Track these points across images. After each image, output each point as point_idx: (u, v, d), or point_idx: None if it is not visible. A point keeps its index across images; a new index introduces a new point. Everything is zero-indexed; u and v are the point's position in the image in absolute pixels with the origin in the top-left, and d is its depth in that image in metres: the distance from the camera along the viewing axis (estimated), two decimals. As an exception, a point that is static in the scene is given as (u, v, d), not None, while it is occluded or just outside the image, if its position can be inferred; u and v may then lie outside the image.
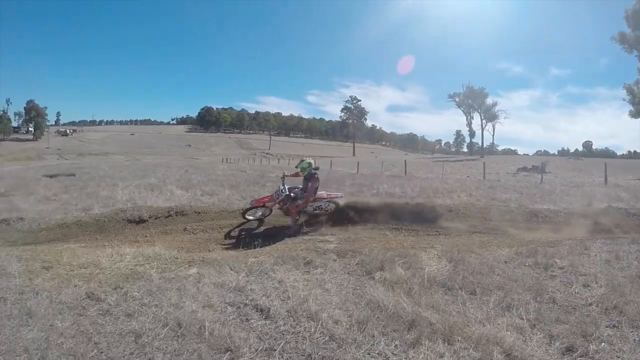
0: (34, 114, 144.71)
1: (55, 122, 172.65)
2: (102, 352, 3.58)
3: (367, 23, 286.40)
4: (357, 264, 6.16)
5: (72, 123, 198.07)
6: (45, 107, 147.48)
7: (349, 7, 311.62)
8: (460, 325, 4.15)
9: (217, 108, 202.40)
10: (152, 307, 4.38)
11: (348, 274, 5.80)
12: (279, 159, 74.76)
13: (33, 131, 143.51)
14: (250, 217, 10.06)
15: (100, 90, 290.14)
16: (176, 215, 10.04)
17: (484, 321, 4.30)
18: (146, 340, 3.76)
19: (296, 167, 10.03)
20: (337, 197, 10.43)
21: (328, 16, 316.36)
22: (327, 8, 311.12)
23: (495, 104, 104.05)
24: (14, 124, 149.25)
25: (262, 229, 9.86)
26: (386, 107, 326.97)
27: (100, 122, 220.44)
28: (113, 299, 4.58)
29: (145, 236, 8.64)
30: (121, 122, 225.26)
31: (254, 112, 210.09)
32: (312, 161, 9.94)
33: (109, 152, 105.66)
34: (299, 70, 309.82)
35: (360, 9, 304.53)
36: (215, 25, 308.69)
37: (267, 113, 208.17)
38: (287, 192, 9.53)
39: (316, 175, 9.79)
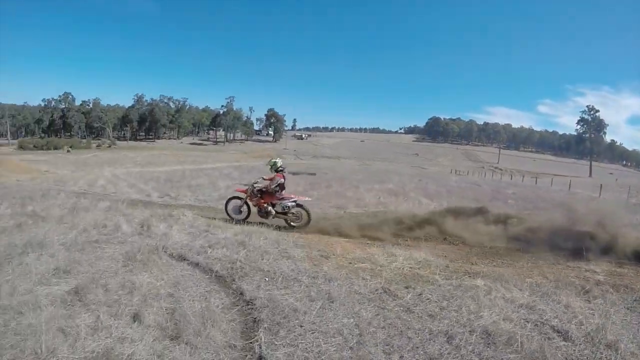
0: (273, 120, 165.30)
1: (292, 127, 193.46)
2: (417, 348, 3.70)
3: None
4: (634, 300, 5.41)
5: (307, 129, 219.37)
6: (284, 115, 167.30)
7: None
8: None
9: (444, 118, 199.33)
10: (451, 312, 4.41)
11: (628, 309, 5.11)
12: (511, 175, 70.41)
13: (272, 134, 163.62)
14: (234, 216, 11.05)
15: (334, 103, 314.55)
16: (429, 225, 10.09)
17: None
18: (459, 342, 3.79)
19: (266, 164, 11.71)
20: (305, 201, 11.18)
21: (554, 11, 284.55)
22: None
23: None
24: (256, 127, 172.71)
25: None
26: (628, 119, 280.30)
27: (332, 129, 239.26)
28: (409, 298, 4.75)
29: (406, 240, 8.85)
30: (352, 130, 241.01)
31: (482, 123, 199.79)
32: (277, 160, 11.26)
33: (341, 157, 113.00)
34: (528, 78, 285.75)
35: None
36: (438, 34, 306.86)
37: (497, 124, 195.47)
38: (256, 187, 11.00)
39: (282, 173, 11.05)
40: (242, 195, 11.31)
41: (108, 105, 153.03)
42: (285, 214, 10.95)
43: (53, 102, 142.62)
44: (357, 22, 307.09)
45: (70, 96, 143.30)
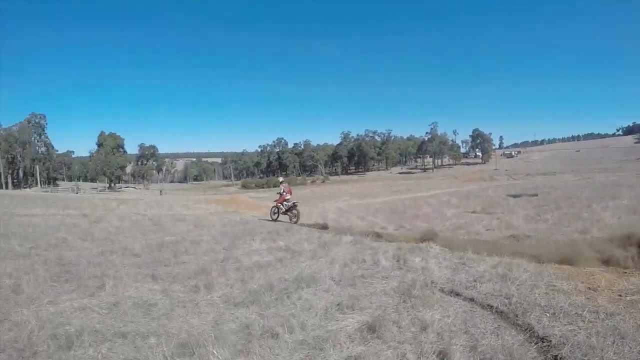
0: (479, 140, 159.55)
1: (499, 145, 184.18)
2: None
3: None
4: None
5: (515, 145, 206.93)
6: (490, 133, 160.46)
7: None
8: None
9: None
10: None
11: None
12: None
13: (480, 155, 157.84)
14: (272, 217, 19.45)
15: (540, 110, 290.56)
16: None
17: None
18: None
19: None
20: (297, 203, 18.93)
21: None
22: None
23: None
24: (462, 150, 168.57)
25: None
26: None
27: (542, 142, 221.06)
28: None
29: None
30: (563, 139, 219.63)
31: None
32: (280, 178, 22.72)
33: (556, 171, 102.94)
34: None
35: None
36: None
37: None
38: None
39: (284, 187, 19.43)
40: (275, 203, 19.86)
41: (317, 144, 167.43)
42: (288, 211, 18.78)
43: (268, 147, 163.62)
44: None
45: (283, 140, 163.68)
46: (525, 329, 4.45)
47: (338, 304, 5.40)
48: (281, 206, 18.81)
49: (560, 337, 4.15)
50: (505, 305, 5.08)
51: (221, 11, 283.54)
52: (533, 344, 4.12)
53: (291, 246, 10.63)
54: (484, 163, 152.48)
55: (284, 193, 18.94)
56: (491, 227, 14.33)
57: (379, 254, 8.40)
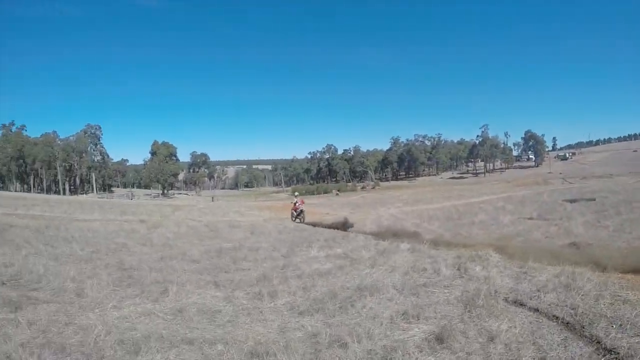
0: (532, 142, 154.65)
1: (552, 147, 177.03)
2: None
3: None
4: None
5: (569, 146, 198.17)
6: (542, 135, 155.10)
7: None
8: None
9: None
10: None
11: None
12: None
13: (534, 158, 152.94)
14: (292, 219, 28.52)
15: (594, 108, 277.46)
16: None
17: None
18: None
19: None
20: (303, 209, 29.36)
21: None
22: None
23: None
24: (514, 153, 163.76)
25: None
26: None
27: (597, 142, 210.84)
28: None
29: None
30: (619, 139, 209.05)
31: None
32: (297, 193, 35.25)
33: (612, 174, 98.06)
34: None
35: None
36: None
37: None
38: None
39: (298, 200, 30.06)
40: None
41: (367, 150, 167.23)
42: (298, 215, 28.42)
43: (318, 154, 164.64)
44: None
45: (333, 147, 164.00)
46: (593, 341, 4.45)
47: (403, 313, 5.45)
48: (294, 212, 29.57)
49: (628, 349, 4.15)
50: (571, 316, 5.10)
51: (267, 21, 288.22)
52: (601, 356, 4.14)
53: (349, 253, 10.78)
54: (537, 166, 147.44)
55: (297, 204, 29.78)
56: (550, 234, 14.05)
57: (439, 262, 8.46)
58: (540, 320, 5.12)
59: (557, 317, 5.14)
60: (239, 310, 6.10)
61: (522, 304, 5.73)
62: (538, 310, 5.43)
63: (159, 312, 5.88)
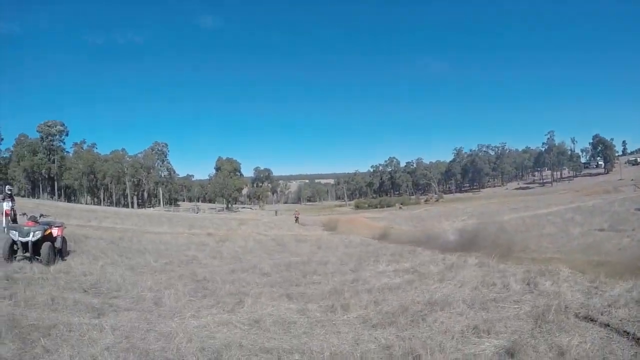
0: (600, 147, 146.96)
1: (622, 151, 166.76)
2: None
3: None
4: None
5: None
6: (611, 139, 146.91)
7: None
8: None
9: None
10: None
11: None
12: None
13: (603, 164, 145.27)
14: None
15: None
16: None
17: None
18: None
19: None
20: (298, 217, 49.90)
21: None
22: None
23: None
24: (582, 160, 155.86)
25: None
26: None
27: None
28: None
29: None
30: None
31: None
32: (297, 209, 73.99)
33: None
34: None
35: None
36: None
37: None
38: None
39: (296, 212, 56.48)
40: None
41: (430, 162, 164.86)
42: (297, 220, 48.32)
43: (380, 167, 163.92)
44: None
45: (395, 160, 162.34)
46: (661, 357, 4.51)
47: (474, 328, 5.65)
48: (294, 218, 46.14)
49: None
50: (642, 331, 5.18)
51: (324, 36, 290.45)
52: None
53: (417, 268, 10.99)
54: (607, 173, 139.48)
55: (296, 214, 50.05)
56: (622, 247, 13.69)
57: (508, 276, 8.62)
58: (611, 336, 5.20)
59: (628, 333, 5.21)
60: (313, 322, 6.43)
61: (592, 320, 5.80)
62: (609, 326, 5.51)
63: (236, 322, 6.27)
